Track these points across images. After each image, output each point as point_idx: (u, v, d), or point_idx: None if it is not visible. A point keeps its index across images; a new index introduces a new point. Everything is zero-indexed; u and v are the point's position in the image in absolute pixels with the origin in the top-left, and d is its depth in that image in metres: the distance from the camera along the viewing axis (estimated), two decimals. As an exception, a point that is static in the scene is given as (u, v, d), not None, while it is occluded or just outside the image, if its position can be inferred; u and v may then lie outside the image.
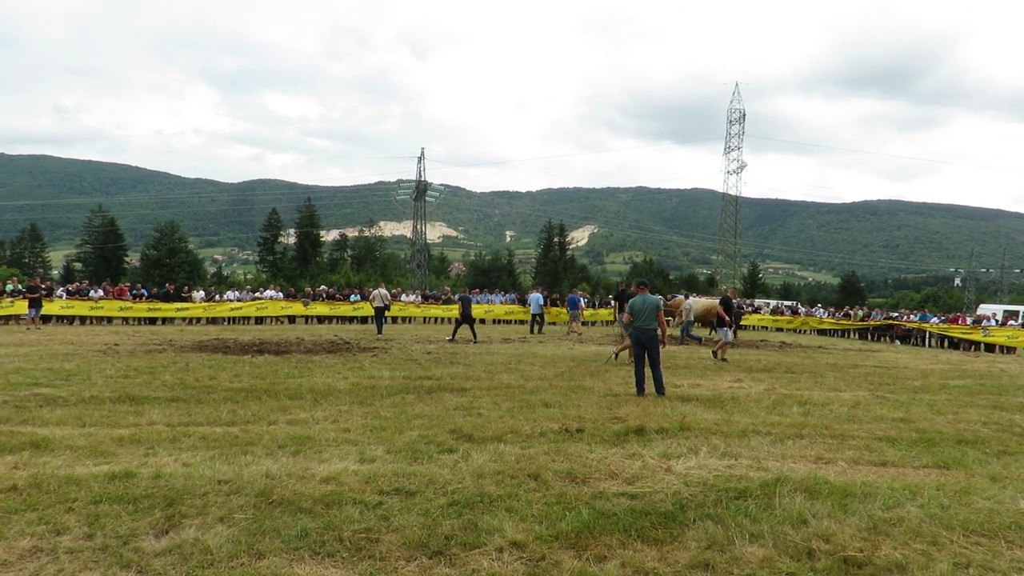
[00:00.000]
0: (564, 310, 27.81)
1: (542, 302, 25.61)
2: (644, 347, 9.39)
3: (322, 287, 33.65)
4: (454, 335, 18.75)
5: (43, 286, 24.31)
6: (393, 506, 4.26)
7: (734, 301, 14.64)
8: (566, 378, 10.85)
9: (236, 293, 30.09)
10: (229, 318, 26.28)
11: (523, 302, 30.70)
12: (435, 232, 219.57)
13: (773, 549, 3.71)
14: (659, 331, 9.38)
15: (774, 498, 4.53)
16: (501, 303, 32.32)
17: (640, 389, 9.30)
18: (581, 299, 26.64)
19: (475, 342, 17.69)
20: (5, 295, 22.94)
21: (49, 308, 22.62)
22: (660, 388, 9.27)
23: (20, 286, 23.91)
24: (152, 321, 24.48)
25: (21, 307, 21.60)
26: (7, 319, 22.30)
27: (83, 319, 23.78)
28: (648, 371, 9.41)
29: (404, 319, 29.29)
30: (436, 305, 30.73)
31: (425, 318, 29.69)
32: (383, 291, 22.50)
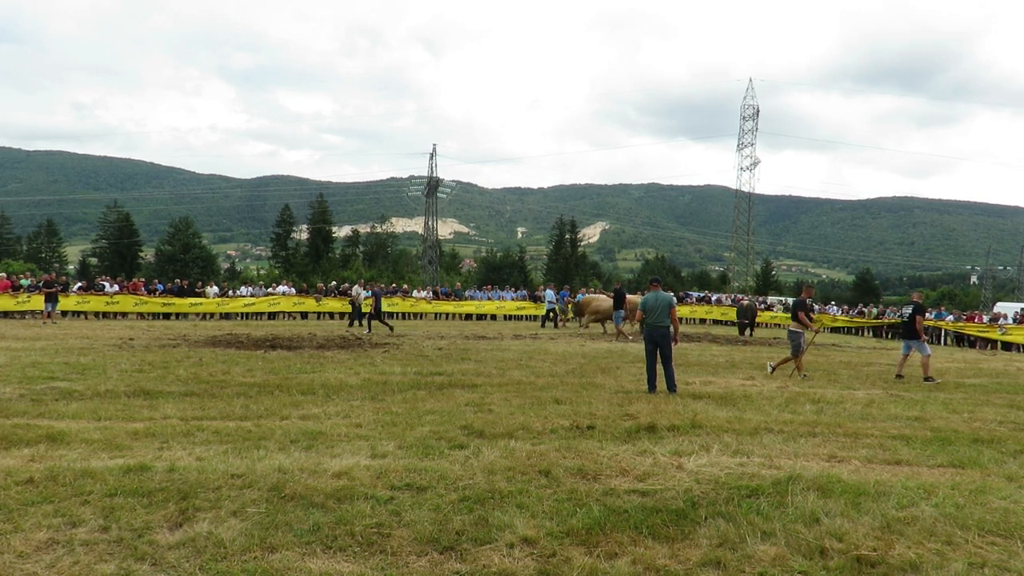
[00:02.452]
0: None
1: (552, 298, 26.42)
2: (656, 344, 9.38)
3: (334, 282, 33.79)
4: (386, 323, 20.73)
5: (60, 280, 24.65)
6: (404, 501, 4.27)
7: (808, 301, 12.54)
8: (577, 375, 10.84)
9: (249, 289, 30.28)
10: (242, 313, 26.47)
11: (536, 299, 31.31)
12: (447, 228, 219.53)
13: (785, 547, 3.69)
14: (671, 328, 9.37)
15: (786, 496, 4.50)
16: (512, 300, 32.38)
17: (651, 386, 9.28)
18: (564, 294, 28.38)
19: (383, 329, 20.41)
20: (22, 290, 23.24)
21: (64, 303, 22.89)
22: (672, 385, 9.24)
23: (35, 280, 24.24)
24: (166, 316, 24.70)
25: (37, 302, 21.88)
26: (23, 314, 22.59)
27: (98, 314, 24.04)
28: (660, 368, 9.39)
29: (415, 315, 29.37)
30: (447, 301, 30.82)
31: (436, 314, 29.75)
32: (357, 288, 23.71)
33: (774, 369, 11.90)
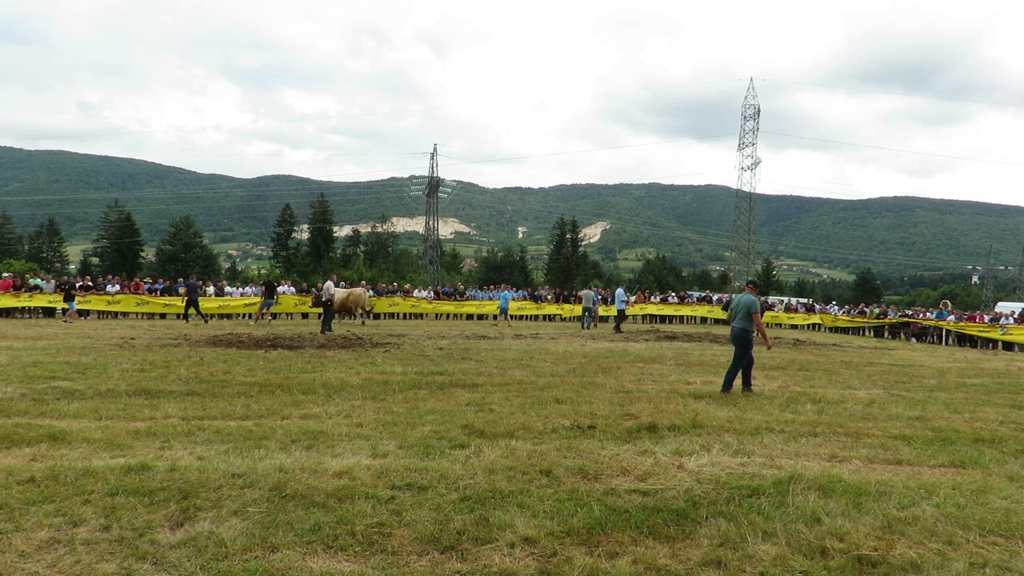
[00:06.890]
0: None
1: (624, 297, 25.69)
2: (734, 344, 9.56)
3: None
4: (188, 317, 23.13)
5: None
6: (405, 501, 4.27)
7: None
8: (578, 374, 10.83)
9: (250, 288, 30.23)
10: (243, 313, 26.43)
11: (537, 299, 31.32)
12: (448, 228, 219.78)
13: (786, 547, 3.69)
14: (752, 331, 9.44)
15: (787, 496, 4.50)
16: (513, 299, 32.39)
17: (727, 386, 9.36)
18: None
19: (205, 321, 22.34)
20: (38, 290, 23.48)
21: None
22: (726, 384, 9.35)
23: (39, 281, 24.45)
24: (164, 316, 24.69)
25: (39, 301, 22.08)
26: (27, 313, 22.68)
27: (100, 313, 24.10)
28: (733, 369, 9.52)
29: (416, 315, 29.37)
30: (448, 301, 30.82)
31: (437, 314, 29.74)
32: (329, 284, 20.06)
33: None
